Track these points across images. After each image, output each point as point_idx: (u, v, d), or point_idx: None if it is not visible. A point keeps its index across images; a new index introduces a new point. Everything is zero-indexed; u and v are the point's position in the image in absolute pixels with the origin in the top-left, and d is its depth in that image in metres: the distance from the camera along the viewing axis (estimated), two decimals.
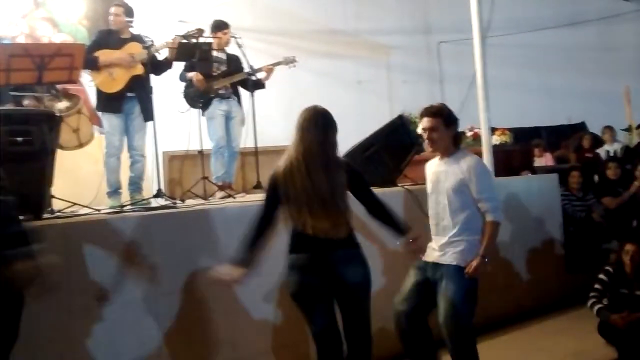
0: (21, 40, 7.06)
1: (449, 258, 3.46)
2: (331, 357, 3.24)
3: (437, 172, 3.57)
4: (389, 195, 4.95)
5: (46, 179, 3.78)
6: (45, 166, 3.73)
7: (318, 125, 3.22)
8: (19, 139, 3.52)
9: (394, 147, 5.55)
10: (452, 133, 3.54)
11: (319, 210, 3.16)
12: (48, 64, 4.16)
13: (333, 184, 3.19)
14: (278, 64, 5.68)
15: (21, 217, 3.56)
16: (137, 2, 6.57)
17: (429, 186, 3.66)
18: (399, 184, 5.38)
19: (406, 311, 3.55)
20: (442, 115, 3.50)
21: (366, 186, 3.39)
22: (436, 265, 3.50)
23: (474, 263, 3.41)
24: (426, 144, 3.66)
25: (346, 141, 6.14)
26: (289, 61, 5.69)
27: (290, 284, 3.24)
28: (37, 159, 3.67)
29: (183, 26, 7.54)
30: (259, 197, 5.29)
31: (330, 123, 3.27)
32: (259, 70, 5.64)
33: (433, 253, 3.55)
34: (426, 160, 3.84)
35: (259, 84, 5.73)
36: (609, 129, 8.31)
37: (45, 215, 3.91)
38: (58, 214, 4.08)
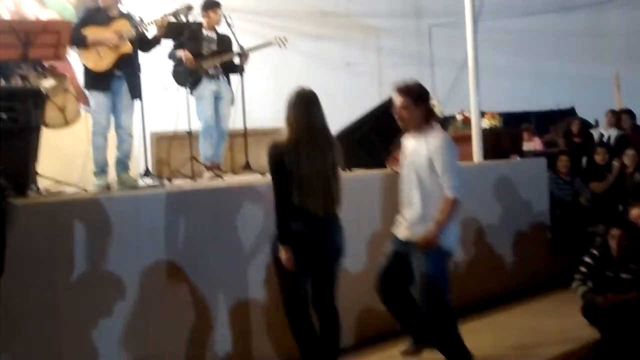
0: (6, 17, 6.93)
1: (417, 234, 3.52)
2: (303, 321, 3.47)
3: (409, 148, 3.63)
4: (377, 177, 4.99)
5: (31, 156, 3.75)
6: (30, 143, 3.70)
7: (315, 105, 3.45)
8: (4, 115, 3.47)
9: (384, 130, 5.53)
10: (423, 111, 3.59)
11: (318, 188, 3.34)
12: (34, 41, 4.11)
13: (332, 162, 3.42)
14: (268, 44, 5.62)
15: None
16: None
17: (403, 162, 3.77)
18: (388, 166, 5.39)
19: (385, 284, 3.75)
20: (412, 94, 3.55)
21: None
22: (407, 242, 3.60)
23: (424, 234, 3.49)
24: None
25: (335, 123, 6.13)
26: (280, 42, 5.64)
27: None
28: (22, 136, 3.64)
29: (172, 4, 7.48)
30: (247, 177, 5.34)
31: (318, 102, 3.48)
32: (248, 50, 5.56)
33: (403, 229, 3.65)
34: None
35: (239, 69, 5.62)
36: (611, 112, 8.31)
37: (31, 194, 3.88)
38: (44, 192, 4.05)
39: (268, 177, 3.62)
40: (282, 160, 3.34)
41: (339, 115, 7.03)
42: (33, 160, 3.83)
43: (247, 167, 5.59)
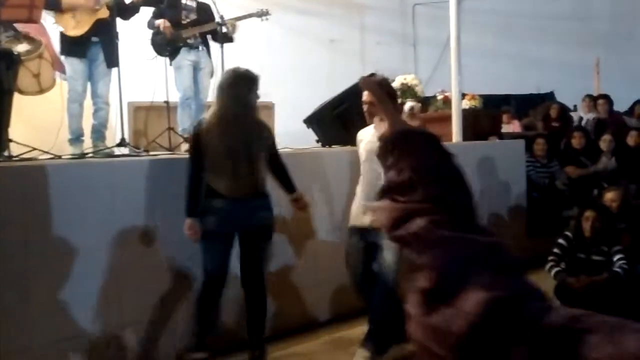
0: None
1: None
2: (216, 296, 3.58)
3: (372, 141, 3.60)
4: (353, 154, 4.96)
5: (3, 120, 3.64)
6: (1, 106, 3.59)
7: (242, 86, 3.50)
8: None
9: (356, 109, 5.51)
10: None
11: (227, 170, 3.44)
12: (6, 1, 3.97)
13: (247, 145, 3.48)
14: (250, 15, 5.52)
15: None
16: None
17: (362, 154, 3.82)
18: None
19: (358, 273, 3.82)
20: (378, 92, 3.53)
21: (275, 147, 3.74)
22: (368, 230, 3.61)
23: None
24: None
25: (316, 99, 6.11)
26: (262, 14, 5.54)
27: (205, 224, 3.48)
28: None
29: None
30: None
31: (248, 84, 3.54)
32: (230, 20, 5.46)
33: (363, 218, 3.63)
34: None
35: (228, 38, 5.57)
36: (589, 97, 8.36)
37: (2, 160, 3.79)
38: (16, 158, 3.96)
39: None
40: (198, 138, 3.46)
41: (320, 91, 7.02)
42: (5, 125, 3.73)
43: None
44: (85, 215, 3.49)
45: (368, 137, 3.75)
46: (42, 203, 3.31)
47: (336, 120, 5.41)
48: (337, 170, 4.70)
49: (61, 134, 5.00)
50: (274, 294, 4.04)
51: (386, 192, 1.46)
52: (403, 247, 1.40)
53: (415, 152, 1.46)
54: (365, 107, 3.71)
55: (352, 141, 5.22)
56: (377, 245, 3.63)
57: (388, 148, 1.50)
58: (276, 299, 4.13)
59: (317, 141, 5.64)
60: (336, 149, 5.20)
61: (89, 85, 5.06)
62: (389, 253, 3.57)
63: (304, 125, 5.70)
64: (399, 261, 3.54)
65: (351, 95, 5.48)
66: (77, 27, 4.82)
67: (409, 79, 6.52)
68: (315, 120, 5.55)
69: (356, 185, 3.96)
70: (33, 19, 4.26)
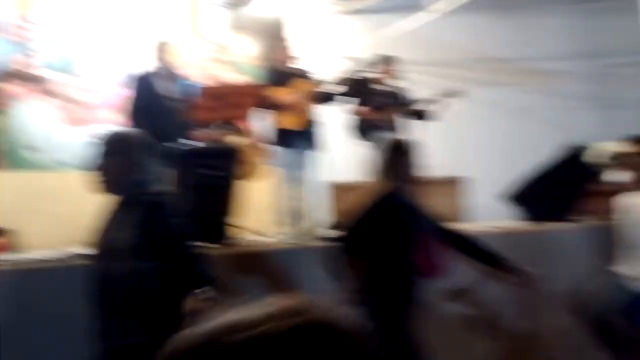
0: (206, 82, 7.70)
1: None
2: None
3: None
4: (566, 230, 4.69)
5: (230, 209, 4.03)
6: (230, 197, 3.98)
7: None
8: (207, 171, 3.79)
9: (567, 180, 5.23)
10: None
11: None
12: (233, 103, 4.47)
13: None
14: (444, 95, 5.63)
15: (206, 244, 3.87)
16: (303, 38, 6.92)
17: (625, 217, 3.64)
18: (577, 218, 5.05)
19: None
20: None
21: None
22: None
23: None
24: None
25: (511, 171, 5.94)
26: (456, 93, 5.62)
27: None
28: (223, 191, 3.93)
29: (347, 62, 7.80)
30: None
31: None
32: (425, 102, 5.63)
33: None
34: (609, 191, 3.79)
35: (425, 116, 5.71)
36: None
37: (227, 244, 4.16)
38: (236, 241, 4.32)
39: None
40: None
41: (513, 163, 6.82)
42: (231, 214, 4.12)
43: None
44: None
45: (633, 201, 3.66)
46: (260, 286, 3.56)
47: (538, 196, 5.18)
48: (561, 248, 4.48)
49: (274, 218, 5.39)
50: None
51: None
52: None
53: None
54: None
55: (556, 218, 4.98)
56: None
57: None
58: None
59: (524, 218, 5.38)
60: (547, 225, 4.95)
61: (297, 170, 5.43)
62: None
63: (495, 199, 5.53)
64: None
65: (552, 169, 5.26)
66: (287, 121, 5.24)
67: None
68: (521, 196, 5.34)
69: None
70: (252, 116, 4.73)
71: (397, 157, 3.28)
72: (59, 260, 3.65)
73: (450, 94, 5.64)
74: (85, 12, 7.35)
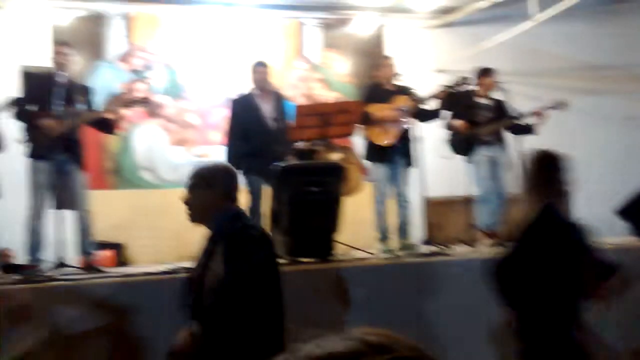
0: (301, 100, 7.93)
1: None
2: None
3: None
4: None
5: (334, 225, 4.10)
6: (334, 214, 4.05)
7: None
8: (314, 188, 3.88)
9: None
10: None
11: None
12: (331, 121, 4.56)
13: None
14: (548, 108, 5.47)
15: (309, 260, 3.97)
16: (400, 54, 6.93)
17: None
18: None
19: None
20: None
21: None
22: None
23: None
24: None
25: (623, 184, 5.65)
26: (560, 105, 5.45)
27: None
28: (328, 207, 4.01)
29: (442, 75, 7.74)
30: None
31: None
32: (528, 115, 5.49)
33: None
34: None
35: (528, 129, 5.57)
36: None
37: (331, 259, 4.25)
38: (339, 257, 4.41)
39: None
40: None
41: (618, 173, 6.49)
42: (335, 229, 4.19)
43: None
44: (400, 311, 3.67)
45: None
46: (365, 301, 3.60)
47: None
48: None
49: (370, 232, 5.43)
50: None
51: None
52: None
53: None
54: None
55: None
56: None
57: None
58: None
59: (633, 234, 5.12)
60: None
61: (392, 185, 5.45)
62: None
63: (607, 214, 5.27)
64: None
65: None
66: (384, 137, 5.28)
67: None
68: (628, 210, 5.09)
69: None
70: (351, 133, 4.80)
71: (549, 170, 3.07)
72: (165, 273, 3.83)
73: (554, 105, 5.48)
74: (193, 38, 7.79)
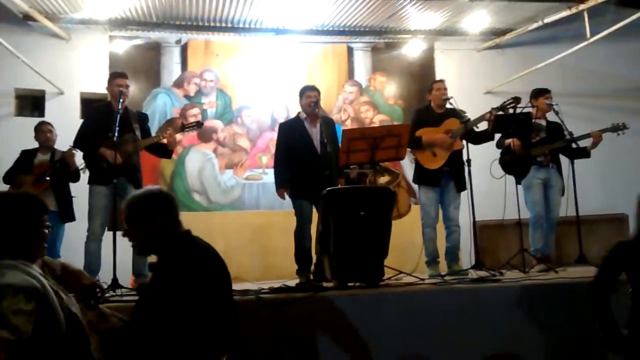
0: (348, 123, 8.01)
1: None
2: None
3: None
4: None
5: (383, 250, 4.08)
6: (383, 238, 4.03)
7: None
8: (363, 212, 3.87)
9: None
10: None
11: None
12: (380, 144, 4.55)
13: None
14: (605, 131, 5.33)
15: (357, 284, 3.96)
16: (446, 75, 6.91)
17: None
18: None
19: None
20: None
21: None
22: None
23: None
24: None
25: None
26: (618, 128, 5.30)
27: None
28: (377, 232, 3.99)
29: (491, 97, 7.66)
30: (584, 272, 4.94)
31: None
32: (584, 137, 5.35)
33: None
34: None
35: (583, 152, 5.42)
36: None
37: (381, 283, 4.22)
38: (387, 281, 4.37)
39: None
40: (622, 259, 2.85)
41: None
42: (385, 254, 4.16)
43: (582, 260, 5.21)
44: (449, 337, 3.62)
45: None
46: (414, 327, 3.57)
47: None
48: None
49: (419, 256, 5.37)
50: None
51: None
52: None
53: None
54: None
55: None
56: None
57: None
58: None
59: None
60: None
61: (441, 209, 5.39)
62: None
63: None
64: None
65: None
66: (435, 161, 5.23)
67: None
68: None
69: None
70: (400, 157, 4.77)
71: None
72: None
73: (612, 128, 5.34)
74: (245, 64, 8.00)
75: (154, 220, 2.53)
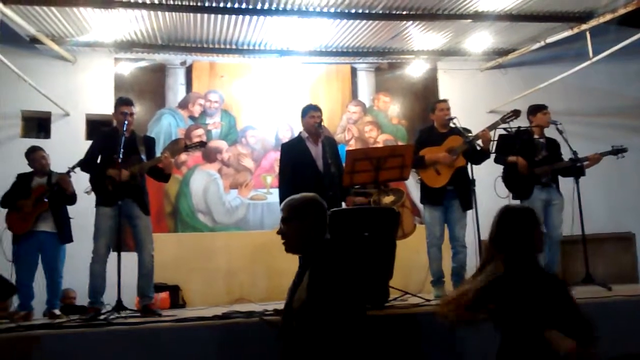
0: (352, 143, 8.04)
1: None
2: None
3: None
4: None
5: (388, 271, 4.06)
6: (388, 259, 4.01)
7: None
8: (367, 233, 3.85)
9: None
10: None
11: None
12: (383, 165, 4.56)
13: None
14: (605, 154, 5.33)
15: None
16: (449, 94, 6.93)
17: None
18: None
19: None
20: None
21: None
22: None
23: None
24: None
25: None
26: (618, 151, 5.30)
27: None
28: (382, 252, 3.97)
29: (494, 117, 7.65)
30: (589, 291, 4.91)
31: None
32: (583, 158, 5.36)
33: None
34: None
35: (579, 171, 5.42)
36: None
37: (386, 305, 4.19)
38: (392, 303, 4.34)
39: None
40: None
41: None
42: (390, 276, 4.15)
43: (588, 279, 5.17)
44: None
45: None
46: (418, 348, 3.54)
47: None
48: None
49: (424, 276, 5.35)
50: None
51: None
52: None
53: None
54: None
55: None
56: None
57: None
58: None
59: None
60: None
61: (447, 229, 5.36)
62: None
63: None
64: None
65: None
66: (438, 179, 5.22)
67: None
68: None
69: None
70: (404, 177, 4.77)
71: None
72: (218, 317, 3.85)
73: (612, 151, 5.34)
74: (250, 85, 8.06)
75: (309, 221, 2.75)
